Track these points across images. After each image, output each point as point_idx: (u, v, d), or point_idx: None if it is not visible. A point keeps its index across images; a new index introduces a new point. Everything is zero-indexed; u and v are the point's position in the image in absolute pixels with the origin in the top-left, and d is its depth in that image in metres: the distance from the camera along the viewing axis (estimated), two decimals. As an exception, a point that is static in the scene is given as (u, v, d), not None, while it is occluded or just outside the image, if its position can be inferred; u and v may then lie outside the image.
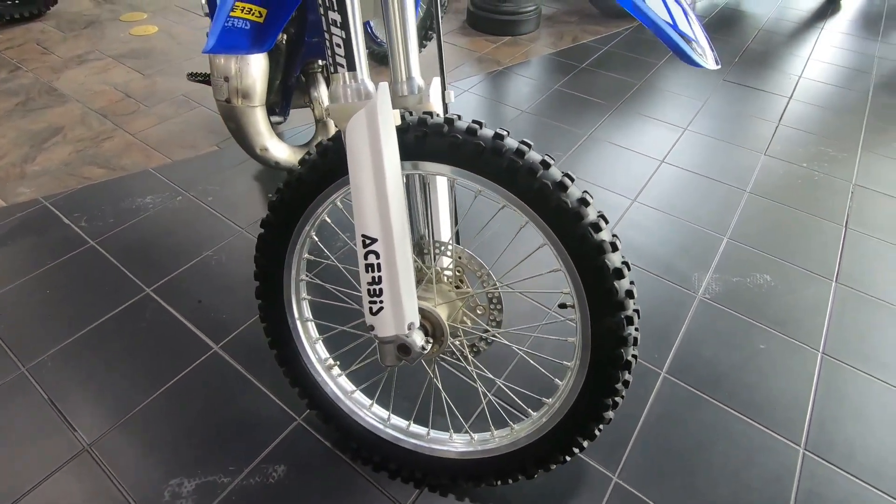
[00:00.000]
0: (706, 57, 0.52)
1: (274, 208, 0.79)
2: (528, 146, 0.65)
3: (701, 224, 1.50)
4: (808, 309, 1.26)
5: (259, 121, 0.90)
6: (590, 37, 2.66)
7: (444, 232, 0.82)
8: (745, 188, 1.64)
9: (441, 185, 0.79)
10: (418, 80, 0.78)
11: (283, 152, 0.95)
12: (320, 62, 0.92)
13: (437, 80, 0.79)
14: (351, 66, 0.59)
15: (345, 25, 0.57)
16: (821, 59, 2.54)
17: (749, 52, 2.58)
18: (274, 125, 1.00)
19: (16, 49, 2.29)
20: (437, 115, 0.70)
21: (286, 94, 0.96)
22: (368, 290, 0.65)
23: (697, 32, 0.52)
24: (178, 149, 1.71)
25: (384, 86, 0.60)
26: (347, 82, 0.59)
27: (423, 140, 0.66)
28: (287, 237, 0.81)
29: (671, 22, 0.51)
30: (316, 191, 0.75)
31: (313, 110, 0.96)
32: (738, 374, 1.11)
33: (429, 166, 0.69)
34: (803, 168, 1.75)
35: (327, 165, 0.72)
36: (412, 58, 0.76)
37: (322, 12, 0.57)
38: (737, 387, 1.08)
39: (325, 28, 0.58)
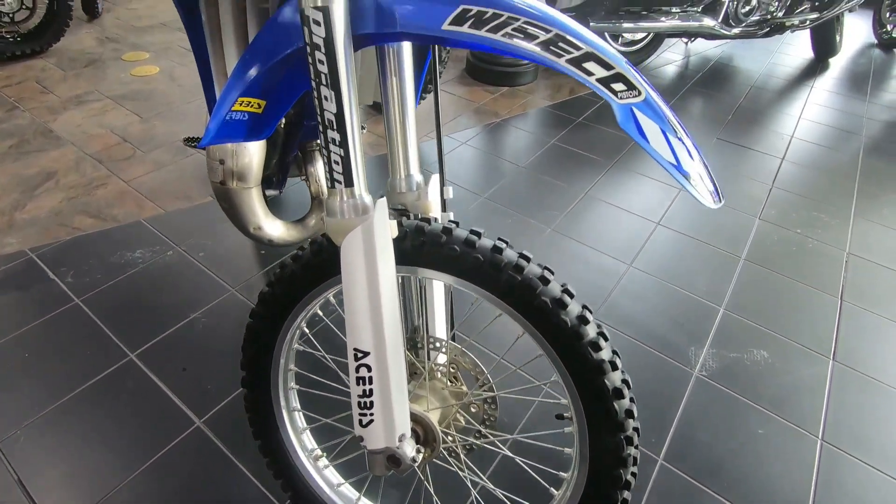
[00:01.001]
0: (706, 196, 0.51)
1: (265, 301, 0.76)
2: (528, 259, 0.64)
3: (697, 293, 1.49)
4: (806, 390, 1.24)
5: (254, 201, 0.88)
6: (585, 89, 2.71)
7: (440, 327, 0.80)
8: (740, 254, 1.65)
9: (438, 285, 0.77)
10: (417, 177, 0.77)
11: (277, 230, 0.94)
12: (318, 141, 0.92)
13: (435, 178, 0.78)
14: (349, 183, 0.57)
15: (343, 144, 0.56)
16: (811, 119, 2.59)
17: (741, 109, 2.64)
18: (268, 198, 0.99)
19: (15, 87, 2.29)
20: (435, 219, 0.68)
21: (282, 169, 0.96)
22: (359, 403, 0.63)
23: (699, 170, 0.52)
24: (172, 199, 1.69)
25: (382, 203, 0.59)
26: (345, 198, 0.58)
27: (421, 249, 0.65)
28: (277, 329, 0.78)
29: (675, 162, 0.51)
30: (309, 287, 0.73)
31: (309, 186, 0.95)
32: (736, 461, 1.08)
33: (426, 272, 0.67)
34: (797, 234, 1.76)
35: (321, 264, 0.70)
36: (411, 154, 0.76)
37: (321, 129, 0.57)
38: (735, 476, 1.05)
39: (323, 144, 0.57)
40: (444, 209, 0.79)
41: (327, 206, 0.59)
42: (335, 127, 0.55)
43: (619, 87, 0.51)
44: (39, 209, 1.61)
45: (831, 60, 3.37)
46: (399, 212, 0.67)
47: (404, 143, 0.74)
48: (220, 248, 1.51)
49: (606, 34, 2.68)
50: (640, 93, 0.51)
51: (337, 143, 0.56)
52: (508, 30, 0.51)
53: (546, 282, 0.62)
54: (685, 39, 3.42)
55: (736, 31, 2.79)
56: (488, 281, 0.63)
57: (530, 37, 0.51)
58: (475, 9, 0.52)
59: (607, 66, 0.51)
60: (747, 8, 2.76)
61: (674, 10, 2.58)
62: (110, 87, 2.35)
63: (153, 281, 1.39)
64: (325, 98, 0.54)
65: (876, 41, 3.75)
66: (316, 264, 0.71)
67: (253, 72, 0.63)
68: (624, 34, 2.72)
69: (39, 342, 1.21)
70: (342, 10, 0.53)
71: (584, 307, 0.64)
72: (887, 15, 3.65)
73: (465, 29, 0.52)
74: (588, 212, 1.78)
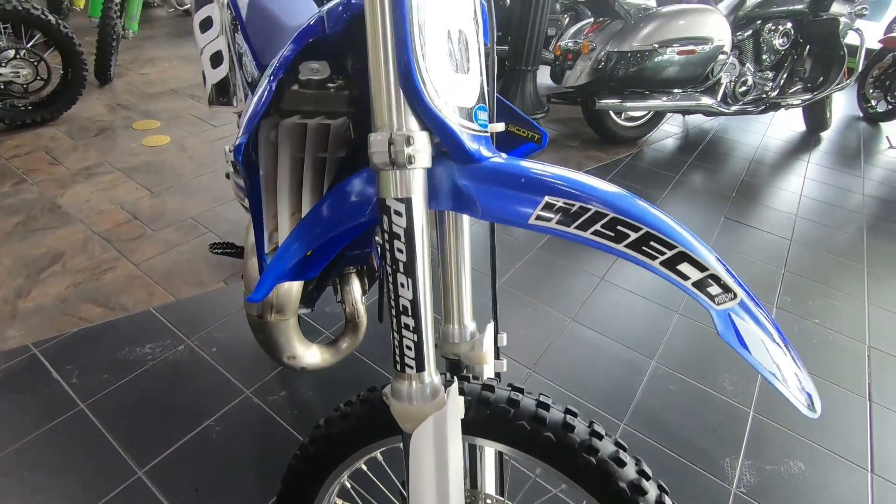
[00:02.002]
0: (802, 404, 0.49)
1: (306, 457, 0.71)
2: (600, 437, 0.60)
3: (724, 392, 1.46)
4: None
5: (290, 330, 0.85)
6: (593, 163, 2.76)
7: (489, 486, 0.75)
8: (762, 348, 1.62)
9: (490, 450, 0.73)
10: (470, 326, 0.74)
11: (312, 357, 0.90)
12: (354, 267, 0.90)
13: (490, 327, 0.75)
14: (420, 368, 0.54)
15: (417, 330, 0.53)
16: (812, 197, 2.65)
17: (744, 185, 2.69)
18: (300, 317, 0.95)
19: (23, 158, 2.27)
20: (497, 380, 0.65)
21: (318, 291, 0.93)
22: None
23: (798, 375, 0.50)
24: (184, 285, 1.64)
25: (455, 390, 0.55)
26: (415, 384, 0.54)
27: (486, 422, 0.61)
28: (317, 485, 0.73)
29: (776, 373, 0.48)
30: (356, 446, 0.68)
31: (344, 310, 0.92)
32: None
33: (484, 441, 0.63)
34: (816, 325, 1.75)
35: (372, 425, 0.66)
36: (466, 305, 0.73)
37: (393, 314, 0.54)
38: None
39: (394, 328, 0.54)
40: (497, 356, 0.76)
41: (395, 389, 0.56)
42: (410, 313, 0.53)
43: (714, 289, 0.49)
44: (45, 296, 1.55)
45: (823, 134, 3.50)
46: (460, 377, 0.63)
47: (459, 294, 0.71)
48: (233, 343, 1.45)
49: (611, 111, 2.76)
50: (735, 295, 0.49)
51: (411, 328, 0.53)
52: (598, 227, 0.49)
53: (622, 464, 0.59)
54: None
55: (734, 108, 2.90)
56: (559, 461, 0.59)
57: (621, 236, 0.49)
58: (560, 202, 0.50)
59: (700, 267, 0.49)
60: (744, 88, 2.88)
61: (675, 91, 2.67)
62: (120, 157, 2.34)
63: (163, 381, 1.33)
64: (402, 285, 0.52)
65: (862, 115, 3.92)
66: (366, 425, 0.66)
67: (312, 236, 0.61)
68: (627, 111, 2.80)
69: (41, 457, 1.13)
70: (423, 201, 0.51)
71: (661, 488, 0.60)
72: (871, 91, 3.83)
73: (552, 225, 0.50)
74: (606, 299, 1.77)
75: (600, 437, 0.60)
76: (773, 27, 2.87)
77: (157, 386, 1.31)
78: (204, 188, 2.16)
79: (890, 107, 3.70)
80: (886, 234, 2.39)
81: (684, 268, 0.49)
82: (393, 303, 0.53)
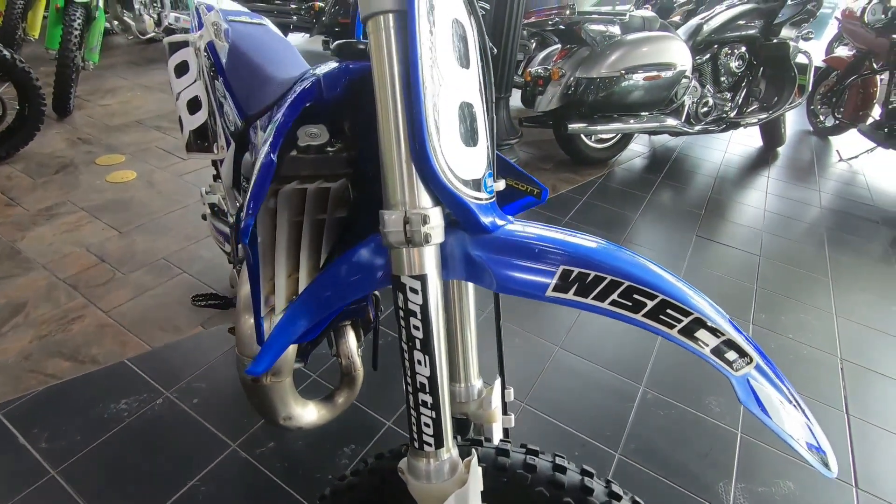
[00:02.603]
0: (821, 465, 0.50)
1: None
2: (619, 498, 0.60)
3: (711, 415, 1.48)
4: (839, 526, 1.22)
5: (286, 391, 0.82)
6: (566, 186, 2.81)
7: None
8: (743, 367, 1.67)
9: None
10: (477, 385, 0.73)
11: (309, 416, 0.87)
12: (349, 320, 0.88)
13: (497, 384, 0.74)
14: (440, 444, 0.53)
15: (436, 406, 0.52)
16: (775, 212, 2.77)
17: (712, 202, 2.79)
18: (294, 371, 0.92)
19: (-23, 199, 2.15)
20: (511, 447, 0.64)
21: (313, 346, 0.90)
22: None
23: (816, 435, 0.51)
24: (158, 331, 1.57)
25: (475, 464, 0.54)
26: (433, 462, 0.53)
27: (502, 488, 0.60)
28: (324, 560, 0.69)
29: (795, 437, 0.49)
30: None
31: (340, 363, 0.90)
32: None
33: (504, 509, 0.62)
34: (791, 340, 1.81)
35: (382, 497, 0.64)
36: (472, 364, 0.72)
37: (409, 391, 0.52)
38: None
39: (411, 406, 0.52)
40: (504, 412, 0.75)
41: (412, 467, 0.54)
42: (427, 390, 0.51)
43: (731, 355, 0.50)
44: (6, 353, 1.45)
45: (779, 150, 3.68)
46: (473, 442, 0.62)
47: (465, 354, 0.70)
48: (215, 392, 1.39)
49: (582, 134, 2.83)
50: (751, 359, 0.50)
51: (429, 405, 0.52)
52: (614, 296, 0.49)
53: None
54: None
55: (697, 128, 3.02)
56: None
57: (638, 305, 0.49)
58: (576, 271, 0.50)
59: (716, 332, 0.50)
60: (705, 109, 3.00)
61: (642, 113, 2.77)
62: (84, 196, 2.25)
63: (142, 439, 1.25)
64: (419, 362, 0.51)
65: (812, 129, 4.15)
66: (378, 499, 0.64)
67: (318, 307, 0.59)
68: (598, 134, 2.88)
69: (8, 535, 1.05)
70: (438, 277, 0.50)
71: None
72: (819, 107, 4.05)
73: (570, 296, 0.50)
74: (590, 325, 1.78)
75: (619, 498, 0.60)
76: (730, 51, 3.02)
77: (136, 445, 1.24)
78: (175, 225, 2.09)
79: (837, 122, 3.93)
80: (845, 245, 2.51)
81: (701, 335, 0.49)
82: (409, 380, 0.52)
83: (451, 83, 0.48)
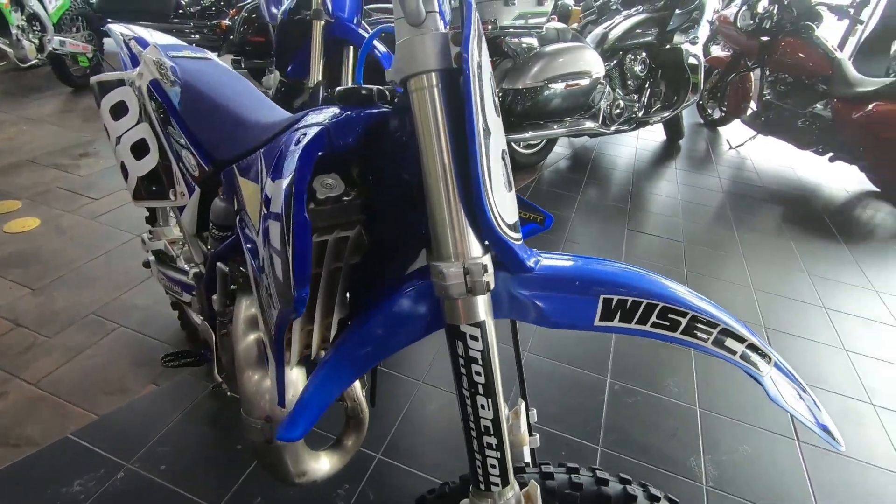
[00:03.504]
0: (833, 440, 0.57)
1: None
2: (657, 499, 0.64)
3: (671, 395, 1.61)
4: (788, 474, 1.38)
5: (299, 447, 0.78)
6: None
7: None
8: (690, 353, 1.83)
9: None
10: (505, 412, 0.75)
11: (322, 468, 0.83)
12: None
13: (522, 406, 0.76)
14: (505, 482, 0.54)
15: (500, 447, 0.53)
16: (688, 200, 3.06)
17: (635, 196, 3.03)
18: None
19: None
20: (555, 469, 0.66)
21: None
22: None
23: (823, 416, 0.58)
24: (103, 396, 1.42)
25: (538, 495, 0.55)
26: (501, 501, 0.54)
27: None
28: None
29: (814, 420, 0.56)
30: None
31: (345, 406, 0.87)
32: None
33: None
34: (723, 317, 2.02)
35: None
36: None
37: (474, 436, 0.53)
38: None
39: (475, 449, 0.53)
40: (530, 433, 0.77)
41: (476, 507, 0.55)
42: (492, 432, 0.52)
43: (755, 357, 0.56)
44: (-86, 449, 1.24)
45: (680, 143, 4.07)
46: (525, 473, 0.63)
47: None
48: (183, 454, 1.28)
49: (512, 142, 2.94)
50: (770, 358, 0.56)
51: (493, 447, 0.53)
52: (654, 318, 0.54)
53: None
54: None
55: (612, 129, 3.26)
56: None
57: (674, 324, 0.54)
58: (615, 298, 0.54)
59: (740, 339, 0.55)
60: (618, 111, 3.25)
61: (566, 119, 2.94)
62: (-21, 251, 1.96)
63: (108, 522, 1.13)
64: (482, 406, 0.52)
65: (703, 122, 4.63)
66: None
67: (358, 363, 0.57)
68: (527, 141, 3.01)
69: None
70: (492, 321, 0.51)
71: None
72: (707, 102, 4.54)
73: (616, 323, 0.53)
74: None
75: (658, 500, 0.64)
76: (633, 57, 3.29)
77: (102, 529, 1.11)
78: (101, 275, 1.89)
79: (723, 113, 4.42)
80: (748, 224, 2.84)
81: (730, 343, 0.55)
82: (472, 425, 0.52)
83: (495, 132, 0.49)
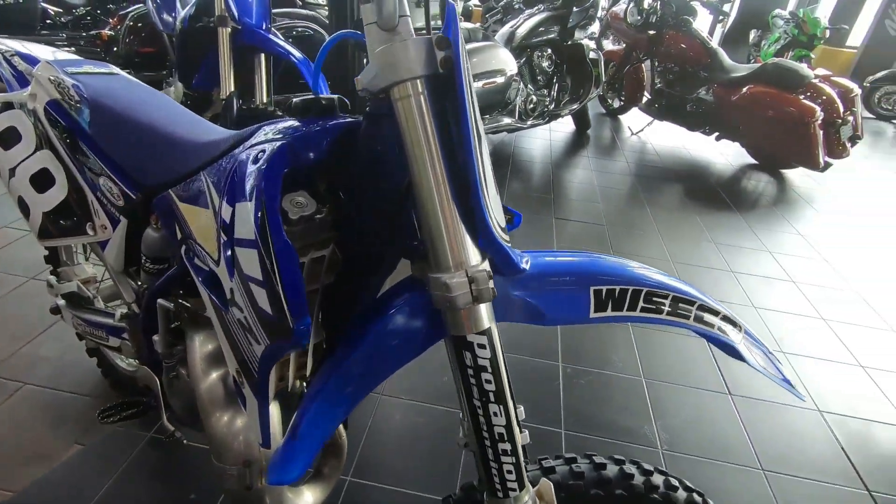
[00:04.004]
0: (794, 393, 0.63)
1: None
2: (651, 473, 0.67)
3: (617, 370, 1.71)
4: (727, 429, 1.52)
5: (283, 489, 0.72)
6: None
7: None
8: (629, 328, 1.95)
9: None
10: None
11: (308, 501, 0.77)
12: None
13: (512, 406, 0.77)
14: (522, 485, 0.53)
15: (514, 452, 0.52)
16: (605, 186, 3.26)
17: (556, 186, 3.17)
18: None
19: None
20: (554, 461, 0.67)
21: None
22: None
23: (784, 371, 0.64)
24: (20, 468, 1.23)
25: (552, 491, 0.56)
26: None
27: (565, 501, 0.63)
28: None
29: (781, 376, 0.61)
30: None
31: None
32: None
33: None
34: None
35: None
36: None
37: (488, 444, 0.52)
38: None
39: (491, 458, 0.52)
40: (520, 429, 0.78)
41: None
42: (506, 438, 0.52)
43: (728, 327, 0.60)
44: None
45: (588, 132, 4.32)
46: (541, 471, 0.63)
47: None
48: (129, 516, 1.14)
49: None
50: (740, 326, 0.61)
51: (508, 452, 0.52)
52: (642, 304, 0.56)
53: (674, 489, 0.67)
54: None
55: (529, 123, 3.39)
56: (633, 510, 0.65)
57: (659, 306, 0.57)
58: (604, 289, 0.55)
59: (713, 311, 0.59)
60: (531, 105, 3.39)
61: (485, 116, 3.01)
62: None
63: None
64: (494, 414, 0.51)
65: (605, 111, 4.96)
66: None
67: (354, 390, 0.54)
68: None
69: None
70: (495, 327, 0.51)
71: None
72: (607, 92, 4.86)
73: (610, 313, 0.55)
74: (500, 319, 1.90)
75: (651, 473, 0.67)
76: (540, 53, 3.44)
77: None
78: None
79: (622, 103, 4.76)
80: (658, 203, 3.08)
81: (708, 318, 0.58)
82: (486, 434, 0.52)
83: (483, 135, 0.48)
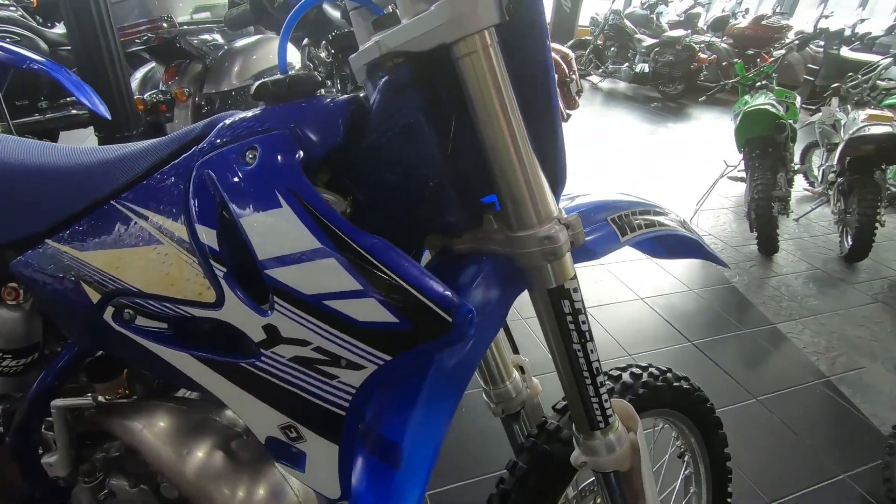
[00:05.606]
0: (721, 264, 0.81)
1: None
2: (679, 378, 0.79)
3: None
4: (596, 332, 1.83)
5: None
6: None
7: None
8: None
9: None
10: (516, 375, 0.76)
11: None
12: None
13: (519, 357, 0.79)
14: (607, 422, 0.57)
15: (604, 383, 0.55)
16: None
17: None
18: None
19: None
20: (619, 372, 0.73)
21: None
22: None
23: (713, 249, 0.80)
24: None
25: (634, 414, 0.60)
26: (612, 434, 0.57)
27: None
28: None
29: (713, 255, 0.77)
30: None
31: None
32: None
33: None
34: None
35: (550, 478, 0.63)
36: (507, 357, 0.74)
37: (588, 382, 0.54)
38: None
39: (591, 395, 0.54)
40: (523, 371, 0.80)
41: (594, 449, 0.57)
42: (601, 372, 0.54)
43: (668, 221, 0.71)
44: None
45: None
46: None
47: (501, 354, 0.72)
48: None
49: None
50: (676, 214, 0.74)
51: (603, 384, 0.55)
52: (638, 221, 0.64)
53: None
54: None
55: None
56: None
57: (649, 222, 0.66)
58: (616, 216, 0.62)
59: (661, 212, 0.70)
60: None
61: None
62: None
63: None
64: (591, 351, 0.53)
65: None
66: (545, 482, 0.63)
67: (458, 378, 0.50)
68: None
69: None
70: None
71: None
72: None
73: (630, 235, 0.62)
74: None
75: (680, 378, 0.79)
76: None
77: None
78: None
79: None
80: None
81: (661, 219, 0.69)
82: (587, 372, 0.53)
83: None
